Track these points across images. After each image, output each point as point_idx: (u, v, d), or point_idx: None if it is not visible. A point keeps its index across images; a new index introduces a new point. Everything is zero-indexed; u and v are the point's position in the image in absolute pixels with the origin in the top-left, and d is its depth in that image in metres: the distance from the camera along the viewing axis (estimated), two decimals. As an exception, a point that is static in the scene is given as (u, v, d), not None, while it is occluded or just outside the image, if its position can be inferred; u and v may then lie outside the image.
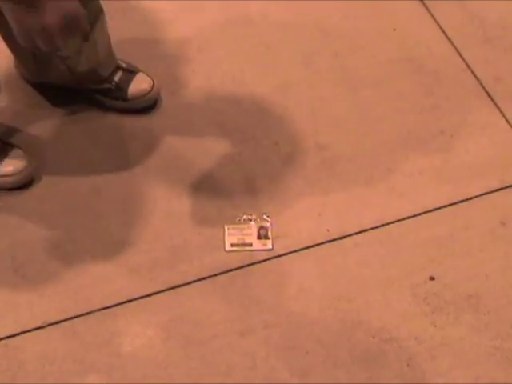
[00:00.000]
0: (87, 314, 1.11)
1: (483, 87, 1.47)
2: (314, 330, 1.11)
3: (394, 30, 1.57)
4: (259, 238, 1.20)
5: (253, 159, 1.32)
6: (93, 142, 1.33)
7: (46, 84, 1.35)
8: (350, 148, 1.35)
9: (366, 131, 1.38)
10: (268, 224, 1.22)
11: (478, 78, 1.49)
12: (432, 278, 1.18)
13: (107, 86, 1.31)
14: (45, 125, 1.33)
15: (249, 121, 1.38)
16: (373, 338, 1.11)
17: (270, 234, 1.21)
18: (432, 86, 1.47)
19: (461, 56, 1.53)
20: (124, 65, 1.34)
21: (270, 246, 1.19)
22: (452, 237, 1.23)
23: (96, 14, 1.19)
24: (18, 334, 1.08)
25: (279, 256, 1.19)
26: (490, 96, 1.46)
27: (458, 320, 1.14)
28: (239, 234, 1.20)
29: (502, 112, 1.43)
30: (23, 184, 1.23)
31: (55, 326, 1.09)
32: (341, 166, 1.32)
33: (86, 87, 1.33)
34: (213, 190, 1.27)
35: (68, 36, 0.87)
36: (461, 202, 1.29)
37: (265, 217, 1.22)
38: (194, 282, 1.15)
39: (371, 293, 1.16)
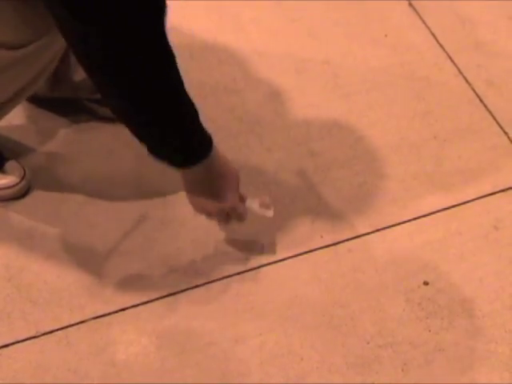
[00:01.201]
0: (81, 322, 1.11)
1: (475, 92, 1.48)
2: (308, 337, 1.11)
3: (386, 36, 1.58)
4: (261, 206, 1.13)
5: (246, 166, 1.32)
6: (86, 150, 1.32)
7: (40, 95, 1.35)
8: (343, 154, 1.35)
9: (359, 137, 1.38)
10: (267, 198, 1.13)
11: (469, 83, 1.50)
12: (426, 283, 1.18)
13: None
14: (38, 135, 1.33)
15: (241, 128, 1.38)
16: (367, 343, 1.11)
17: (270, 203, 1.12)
18: (424, 91, 1.48)
19: (452, 61, 1.54)
20: None
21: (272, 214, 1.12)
22: (445, 241, 1.24)
23: None
24: (12, 344, 1.08)
25: (273, 263, 1.19)
26: (481, 101, 1.47)
27: (452, 324, 1.14)
28: None
29: (493, 116, 1.44)
30: (19, 196, 1.23)
31: (49, 335, 1.09)
32: (334, 172, 1.32)
33: (81, 96, 1.33)
34: (206, 197, 1.27)
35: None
36: (454, 206, 1.29)
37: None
38: (188, 289, 1.15)
39: (365, 298, 1.16)
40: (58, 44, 0.98)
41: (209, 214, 1.08)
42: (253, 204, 1.11)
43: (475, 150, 1.38)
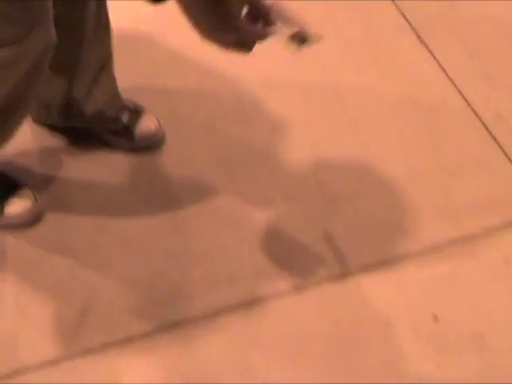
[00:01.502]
0: (88, 351, 1.10)
1: (484, 124, 1.49)
2: (315, 369, 1.10)
3: (395, 68, 1.59)
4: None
5: (253, 196, 1.32)
6: (98, 179, 1.33)
7: (55, 125, 1.36)
8: (351, 186, 1.36)
9: (367, 169, 1.39)
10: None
11: (478, 116, 1.50)
12: (435, 317, 1.17)
13: (114, 126, 1.33)
14: (51, 163, 1.34)
15: (250, 158, 1.39)
16: (375, 377, 1.10)
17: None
18: (432, 123, 1.48)
19: (461, 93, 1.55)
20: (130, 105, 1.35)
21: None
22: (455, 275, 1.23)
23: (106, 59, 1.22)
24: (19, 373, 1.08)
25: (280, 294, 1.19)
26: (490, 133, 1.47)
27: (461, 360, 1.13)
28: None
29: (502, 149, 1.44)
30: (29, 223, 1.24)
31: (55, 364, 1.09)
32: (341, 203, 1.32)
33: (93, 127, 1.34)
34: (214, 226, 1.27)
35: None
36: (463, 239, 1.28)
37: None
38: (195, 319, 1.15)
39: (373, 332, 1.15)
40: (37, 48, 0.93)
41: (225, 44, 0.93)
42: (283, 31, 0.89)
43: (484, 183, 1.38)
